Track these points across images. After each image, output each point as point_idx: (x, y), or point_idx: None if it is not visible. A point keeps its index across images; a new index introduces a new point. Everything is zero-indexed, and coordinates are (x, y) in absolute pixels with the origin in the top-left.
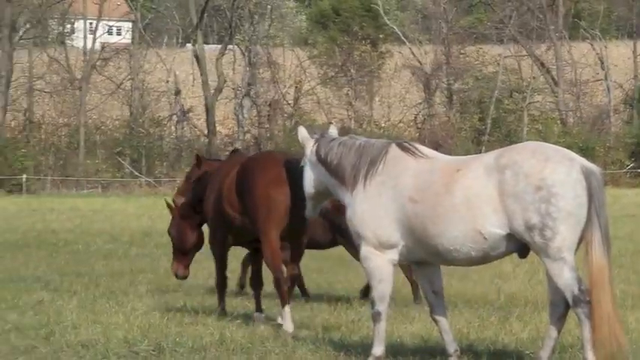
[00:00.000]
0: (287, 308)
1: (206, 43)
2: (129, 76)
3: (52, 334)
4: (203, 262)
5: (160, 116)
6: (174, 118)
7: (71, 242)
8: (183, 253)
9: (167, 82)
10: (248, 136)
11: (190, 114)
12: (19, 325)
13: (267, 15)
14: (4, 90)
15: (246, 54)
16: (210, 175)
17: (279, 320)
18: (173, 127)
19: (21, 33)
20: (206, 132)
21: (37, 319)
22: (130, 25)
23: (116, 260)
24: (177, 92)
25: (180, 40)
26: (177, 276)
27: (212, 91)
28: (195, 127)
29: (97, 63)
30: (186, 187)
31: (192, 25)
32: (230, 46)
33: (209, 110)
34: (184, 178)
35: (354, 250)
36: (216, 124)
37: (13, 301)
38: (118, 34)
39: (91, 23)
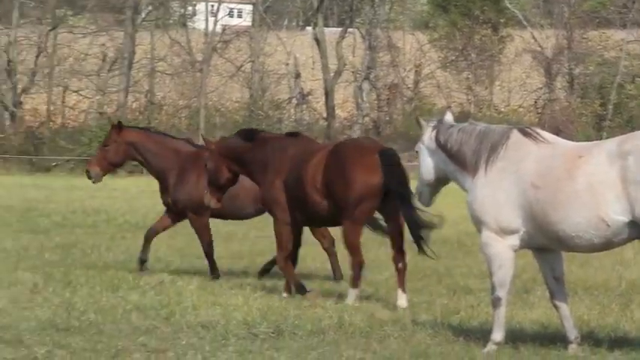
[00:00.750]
0: (357, 291)
1: (326, 26)
2: (249, 59)
3: (172, 314)
4: (318, 246)
5: (279, 99)
6: (294, 101)
7: None
8: (217, 187)
9: (287, 64)
10: (367, 119)
11: (310, 97)
12: (140, 306)
13: None
14: (126, 72)
15: (367, 37)
16: (267, 150)
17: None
18: (292, 110)
19: (143, 15)
20: (325, 115)
21: (158, 300)
22: (250, 7)
23: (235, 242)
24: (297, 75)
25: (300, 23)
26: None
27: (332, 75)
28: (315, 110)
29: (218, 45)
30: (101, 155)
31: (313, 8)
32: (350, 30)
33: (328, 93)
34: (100, 146)
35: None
36: (336, 108)
37: (135, 281)
38: (239, 16)
39: (212, 5)
